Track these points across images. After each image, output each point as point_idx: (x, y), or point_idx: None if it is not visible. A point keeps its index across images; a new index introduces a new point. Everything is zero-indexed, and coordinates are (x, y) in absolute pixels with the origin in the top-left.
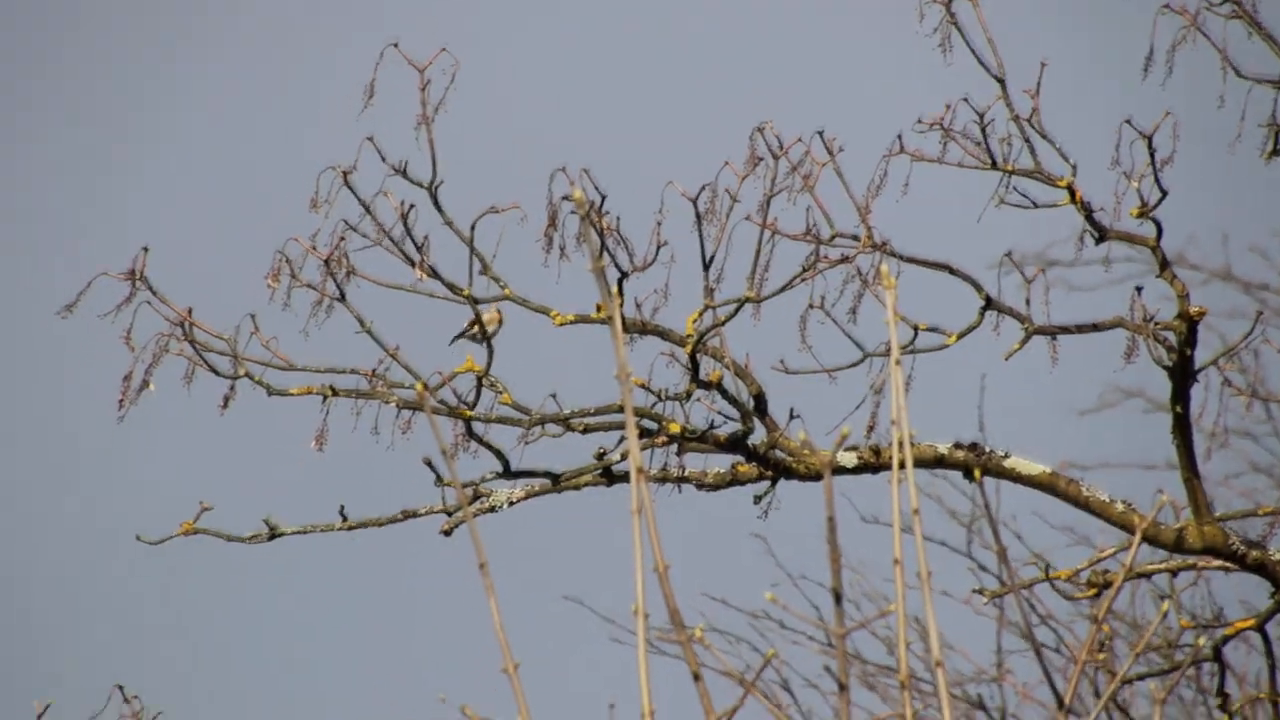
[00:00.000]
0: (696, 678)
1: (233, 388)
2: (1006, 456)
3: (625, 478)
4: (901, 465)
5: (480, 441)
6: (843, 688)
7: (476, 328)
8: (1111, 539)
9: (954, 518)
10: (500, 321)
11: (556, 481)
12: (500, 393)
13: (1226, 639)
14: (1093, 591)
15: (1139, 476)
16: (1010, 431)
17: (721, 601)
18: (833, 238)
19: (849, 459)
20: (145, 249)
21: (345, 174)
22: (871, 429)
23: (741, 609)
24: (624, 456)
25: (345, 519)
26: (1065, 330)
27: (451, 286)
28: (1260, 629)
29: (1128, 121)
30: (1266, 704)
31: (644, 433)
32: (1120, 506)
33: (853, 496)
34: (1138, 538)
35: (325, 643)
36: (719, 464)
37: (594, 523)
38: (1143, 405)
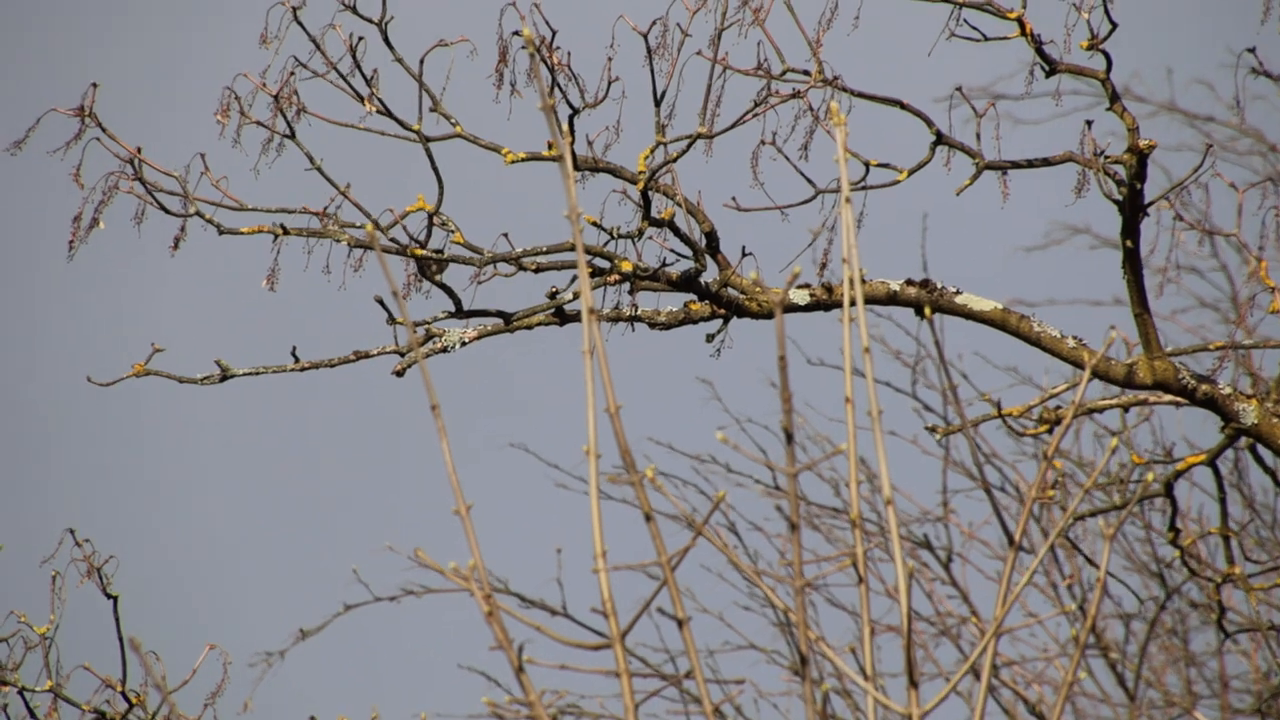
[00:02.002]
0: (649, 518)
1: (183, 227)
2: (958, 293)
3: (578, 317)
4: (853, 303)
5: (432, 280)
6: (794, 526)
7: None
8: (1056, 379)
9: (898, 358)
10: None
11: (509, 321)
12: (452, 232)
13: (1178, 474)
14: (1044, 428)
15: (1085, 313)
16: (959, 268)
17: (668, 446)
18: (784, 73)
19: (801, 296)
20: (94, 85)
21: (295, 9)
22: (824, 266)
23: (687, 453)
24: (576, 296)
25: (297, 360)
26: (1016, 165)
27: (401, 123)
28: (1211, 464)
29: None
30: (1218, 538)
31: (596, 271)
32: (1071, 342)
33: (799, 338)
34: (1087, 372)
35: (278, 486)
36: (671, 303)
37: (541, 366)
38: (1089, 241)
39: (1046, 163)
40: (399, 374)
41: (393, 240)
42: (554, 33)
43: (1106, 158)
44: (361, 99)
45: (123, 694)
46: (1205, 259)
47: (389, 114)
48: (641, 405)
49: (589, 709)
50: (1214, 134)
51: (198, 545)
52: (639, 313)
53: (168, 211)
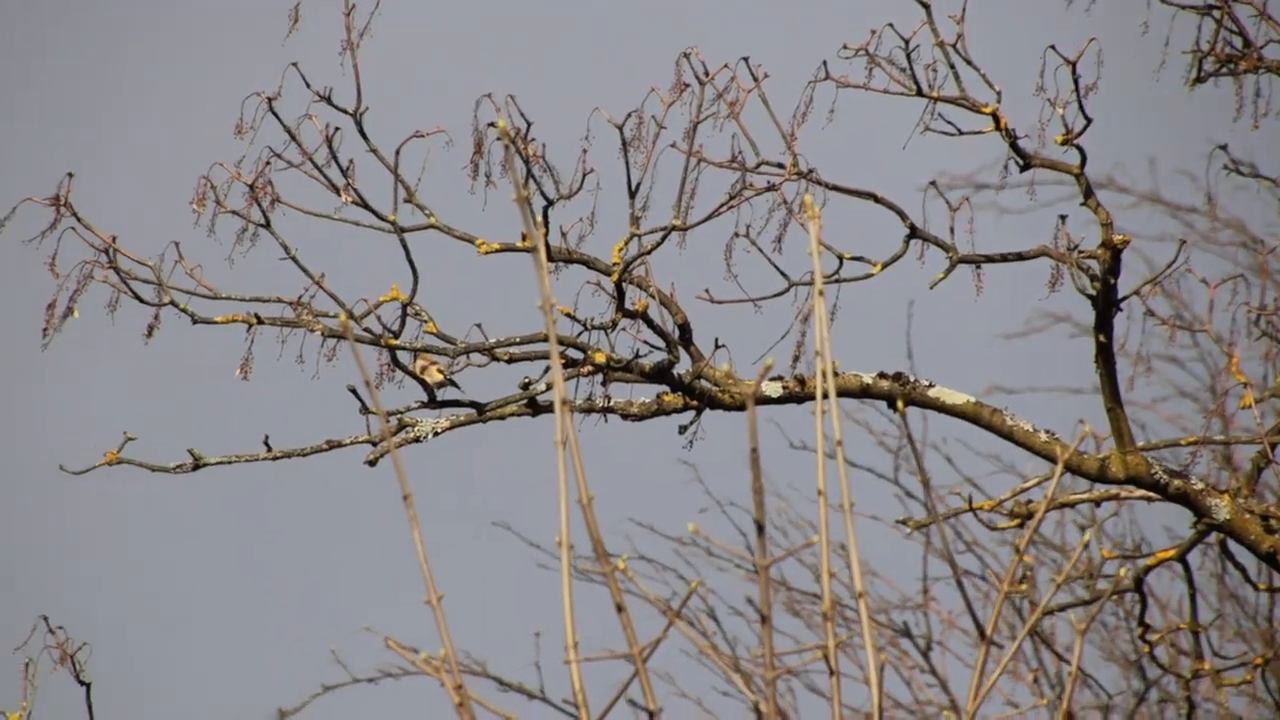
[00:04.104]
0: (620, 609)
1: (157, 316)
2: (930, 386)
3: (551, 408)
4: (825, 396)
5: (405, 370)
6: (764, 619)
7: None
8: (1038, 467)
9: (881, 444)
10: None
11: (481, 411)
12: (425, 322)
13: (1148, 569)
14: (1016, 522)
15: (1065, 401)
16: (938, 357)
17: (649, 528)
18: (758, 165)
19: (774, 389)
20: (70, 175)
21: (270, 100)
22: (797, 359)
23: (669, 536)
24: (549, 387)
25: (270, 449)
26: (989, 259)
27: (376, 214)
28: (1181, 559)
29: (1052, 48)
30: (1188, 633)
31: (569, 362)
32: (1044, 436)
33: (783, 422)
34: (1059, 468)
35: (251, 574)
36: (644, 394)
37: (523, 451)
38: (1070, 330)
39: (1020, 257)
40: (371, 464)
41: (366, 330)
42: (529, 124)
43: (1080, 253)
44: (337, 189)
45: None
46: (1185, 349)
47: (364, 204)
48: (624, 487)
49: None
50: (1195, 224)
51: (173, 630)
52: (612, 404)
53: (142, 300)
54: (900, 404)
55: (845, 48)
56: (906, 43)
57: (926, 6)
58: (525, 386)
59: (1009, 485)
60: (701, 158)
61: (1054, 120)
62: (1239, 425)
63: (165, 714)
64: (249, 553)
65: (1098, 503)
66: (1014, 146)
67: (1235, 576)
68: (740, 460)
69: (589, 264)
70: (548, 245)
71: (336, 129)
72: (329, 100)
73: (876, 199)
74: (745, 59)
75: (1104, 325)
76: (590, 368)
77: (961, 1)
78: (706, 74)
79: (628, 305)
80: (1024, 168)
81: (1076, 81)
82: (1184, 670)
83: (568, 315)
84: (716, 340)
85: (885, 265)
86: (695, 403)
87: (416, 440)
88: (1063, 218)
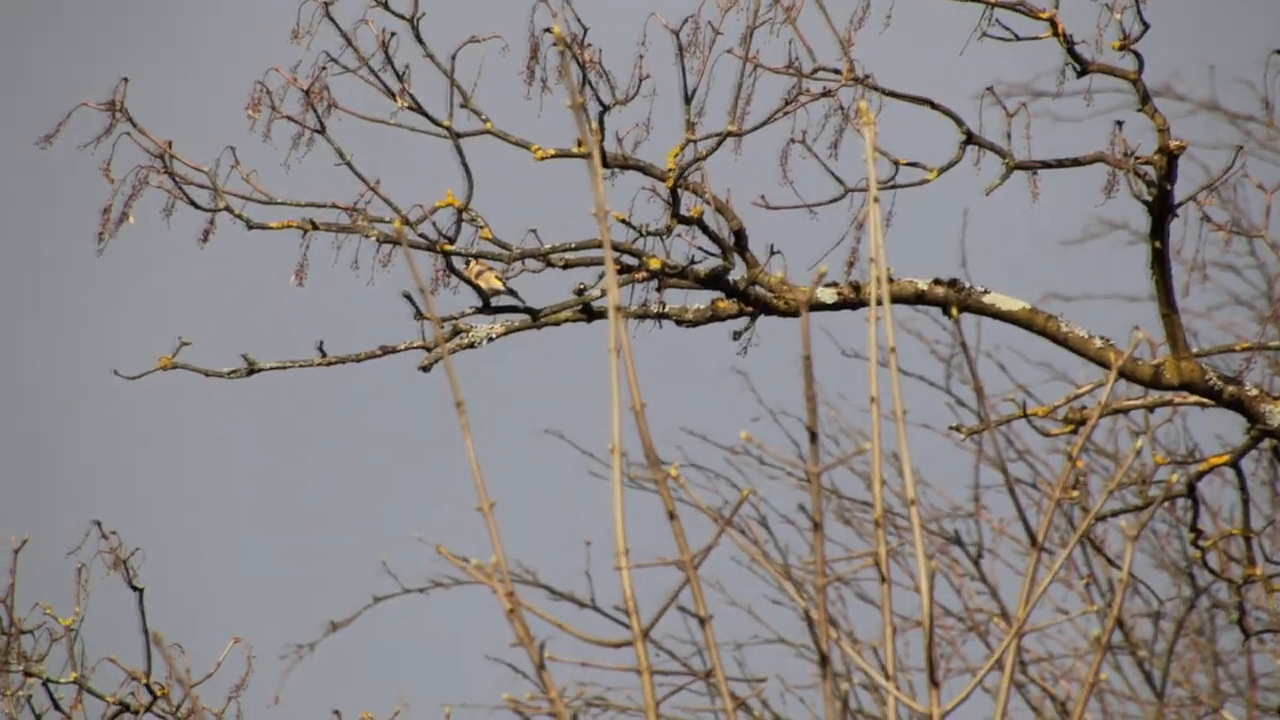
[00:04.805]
0: (672, 516)
1: (213, 221)
2: (985, 292)
3: (605, 314)
4: (879, 302)
5: (460, 276)
6: (817, 526)
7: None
8: (1091, 374)
9: (934, 353)
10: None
11: (536, 317)
12: (480, 228)
13: (1201, 475)
14: (1069, 428)
15: (1121, 308)
16: (994, 263)
17: (701, 437)
18: (815, 71)
19: (828, 295)
20: (125, 79)
21: (326, 5)
22: (852, 265)
23: (721, 445)
24: (604, 293)
25: (324, 354)
26: (1046, 165)
27: (432, 119)
28: (1234, 464)
29: None
30: (1239, 539)
31: (624, 268)
32: (1098, 342)
33: (834, 330)
34: (1113, 374)
35: (304, 480)
36: (699, 300)
37: (576, 358)
38: (1126, 237)
39: (1076, 163)
40: (425, 369)
41: (421, 236)
42: (585, 30)
43: (1136, 159)
44: (392, 95)
45: (147, 686)
46: (1241, 255)
47: (419, 110)
48: (676, 396)
49: (617, 701)
50: (1254, 132)
51: (226, 538)
52: (666, 310)
53: (197, 206)
54: (955, 310)
55: None
56: None
57: None
58: (580, 292)
59: (1062, 393)
60: (757, 63)
61: (1111, 26)
62: None
63: (216, 622)
64: (301, 460)
65: (1151, 409)
66: (1071, 52)
67: None
68: (792, 368)
69: (644, 170)
70: (603, 151)
71: (393, 34)
72: (385, 5)
73: (932, 105)
74: None
75: (1159, 231)
76: (645, 274)
77: None
78: None
79: (683, 211)
80: (1081, 73)
81: None
82: (1235, 576)
83: (623, 221)
84: (771, 246)
85: (941, 171)
86: (750, 309)
87: (470, 346)
88: (1119, 123)
